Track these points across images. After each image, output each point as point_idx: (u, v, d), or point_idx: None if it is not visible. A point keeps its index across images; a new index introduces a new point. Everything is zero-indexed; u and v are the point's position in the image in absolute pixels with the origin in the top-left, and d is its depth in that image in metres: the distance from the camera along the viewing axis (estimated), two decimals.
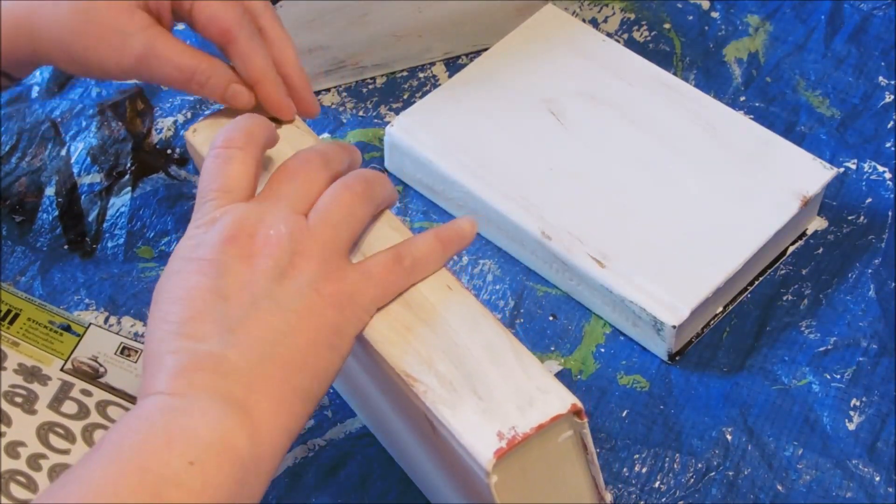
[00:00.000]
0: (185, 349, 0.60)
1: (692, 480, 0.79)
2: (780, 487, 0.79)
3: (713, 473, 0.80)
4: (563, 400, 0.60)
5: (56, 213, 0.94)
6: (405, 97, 1.02)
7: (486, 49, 0.99)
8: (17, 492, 0.73)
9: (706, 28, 1.05)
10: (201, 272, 0.62)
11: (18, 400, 0.76)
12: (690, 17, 1.06)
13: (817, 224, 0.92)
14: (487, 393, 0.61)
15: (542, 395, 0.60)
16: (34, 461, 0.74)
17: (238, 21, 0.74)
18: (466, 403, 0.60)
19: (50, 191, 0.95)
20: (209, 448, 0.56)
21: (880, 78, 1.01)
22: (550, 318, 0.88)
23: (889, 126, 0.98)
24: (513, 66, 0.96)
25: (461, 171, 0.91)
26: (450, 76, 1.02)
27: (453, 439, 0.60)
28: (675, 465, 0.80)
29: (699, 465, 0.80)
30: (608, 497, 0.66)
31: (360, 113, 1.00)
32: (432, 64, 1.04)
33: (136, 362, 0.77)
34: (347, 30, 0.98)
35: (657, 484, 0.79)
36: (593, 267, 0.85)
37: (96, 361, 0.78)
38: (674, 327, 0.82)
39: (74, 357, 0.78)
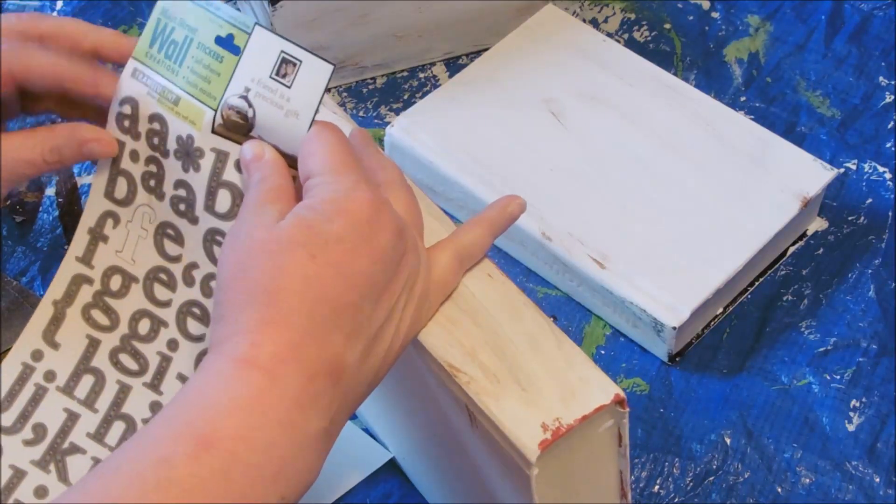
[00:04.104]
0: (321, 344, 0.57)
1: (692, 485, 0.80)
2: (779, 490, 0.79)
3: (712, 478, 0.80)
4: (605, 390, 0.60)
5: (56, 213, 0.94)
6: (405, 97, 1.02)
7: (486, 49, 0.99)
8: (193, 327, 0.67)
9: (706, 28, 1.05)
10: (379, 261, 0.59)
11: (182, 207, 0.66)
12: (691, 18, 1.06)
13: (817, 225, 0.92)
14: (530, 383, 0.60)
15: (584, 385, 0.60)
16: (207, 286, 0.67)
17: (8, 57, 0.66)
18: (510, 394, 0.60)
19: (50, 191, 0.95)
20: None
21: (880, 78, 1.01)
22: (551, 320, 0.88)
23: (889, 126, 0.98)
24: (513, 66, 0.96)
25: (461, 171, 0.91)
26: (450, 76, 1.02)
27: (496, 431, 0.60)
28: (675, 470, 0.80)
29: (699, 470, 0.80)
30: (629, 494, 0.66)
31: (361, 113, 1.00)
32: (432, 64, 1.04)
33: (290, 87, 0.62)
34: (347, 30, 0.98)
35: (657, 488, 0.80)
36: (593, 268, 0.85)
37: (246, 99, 0.63)
38: (674, 328, 0.82)
39: (225, 100, 0.64)
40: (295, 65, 0.62)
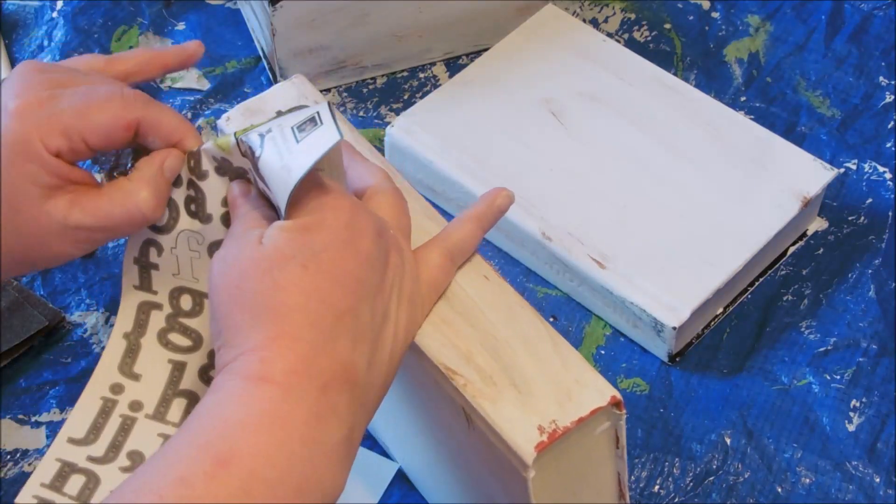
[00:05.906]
0: (330, 352, 0.57)
1: (692, 485, 0.80)
2: (779, 490, 0.79)
3: (712, 477, 0.80)
4: (602, 392, 0.60)
5: None
6: (405, 97, 1.02)
7: (486, 49, 0.99)
8: None
9: (707, 28, 1.05)
10: (366, 263, 0.59)
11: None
12: (691, 18, 1.06)
13: (818, 224, 0.92)
14: (526, 386, 0.61)
15: (581, 387, 0.60)
16: None
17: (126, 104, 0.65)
18: (506, 397, 0.60)
19: None
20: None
21: (881, 78, 1.01)
22: (551, 320, 0.88)
23: (889, 126, 0.98)
24: (513, 66, 0.96)
25: (461, 171, 0.91)
26: (450, 76, 1.02)
27: (493, 433, 0.60)
28: (675, 470, 0.80)
29: (699, 469, 0.80)
30: (627, 496, 0.66)
31: (361, 113, 1.00)
32: (432, 64, 1.04)
33: (298, 142, 0.60)
34: (348, 30, 0.98)
35: (657, 488, 0.80)
36: (593, 268, 0.85)
37: (262, 138, 0.61)
38: (674, 328, 0.82)
39: (248, 134, 0.62)
40: (315, 124, 0.61)
